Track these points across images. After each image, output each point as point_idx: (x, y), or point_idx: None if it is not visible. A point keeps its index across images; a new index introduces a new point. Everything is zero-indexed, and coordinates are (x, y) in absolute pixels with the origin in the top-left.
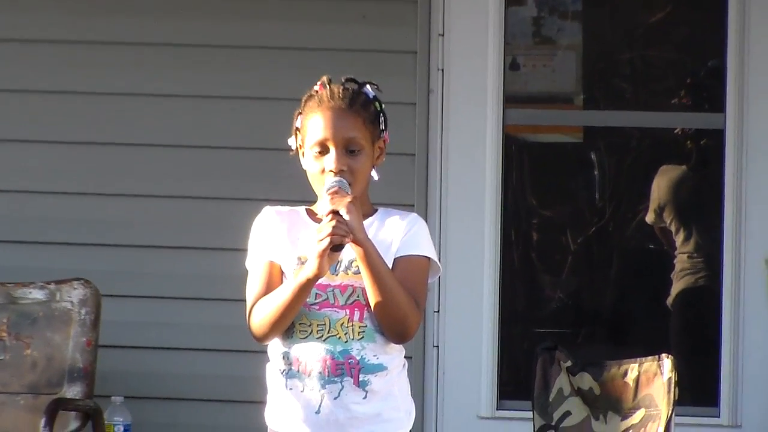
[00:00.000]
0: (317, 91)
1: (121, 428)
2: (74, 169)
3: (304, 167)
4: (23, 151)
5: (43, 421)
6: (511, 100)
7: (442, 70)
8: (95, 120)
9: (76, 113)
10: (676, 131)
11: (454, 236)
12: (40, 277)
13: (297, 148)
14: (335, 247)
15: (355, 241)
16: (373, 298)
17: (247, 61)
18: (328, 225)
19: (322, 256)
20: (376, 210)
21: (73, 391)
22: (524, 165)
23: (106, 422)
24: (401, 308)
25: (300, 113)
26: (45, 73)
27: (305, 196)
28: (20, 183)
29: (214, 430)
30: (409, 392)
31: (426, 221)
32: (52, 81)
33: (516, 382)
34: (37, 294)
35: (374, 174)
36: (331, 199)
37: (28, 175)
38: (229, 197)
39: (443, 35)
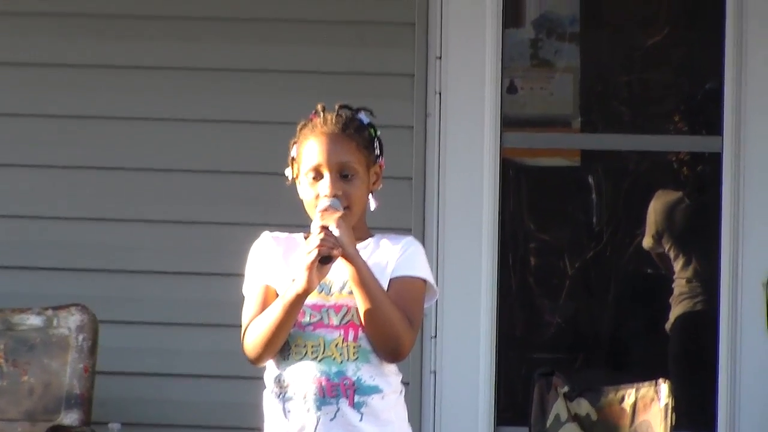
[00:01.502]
0: (311, 119)
1: None
2: (72, 194)
3: (300, 196)
4: (21, 175)
5: None
6: (508, 123)
7: (440, 93)
8: (93, 144)
9: (73, 137)
10: (673, 155)
11: (451, 260)
12: (37, 302)
13: (293, 177)
14: (324, 260)
15: (345, 256)
16: (364, 316)
17: (243, 85)
18: (316, 238)
19: (310, 268)
20: (373, 235)
21: (70, 418)
22: (522, 188)
23: None
24: (393, 326)
25: (295, 142)
26: (43, 97)
27: (304, 221)
28: (17, 208)
29: None
30: (407, 419)
31: (423, 245)
32: (51, 105)
33: (513, 407)
34: (34, 320)
35: (372, 202)
36: (321, 215)
37: (25, 200)
38: (228, 222)
39: (441, 58)
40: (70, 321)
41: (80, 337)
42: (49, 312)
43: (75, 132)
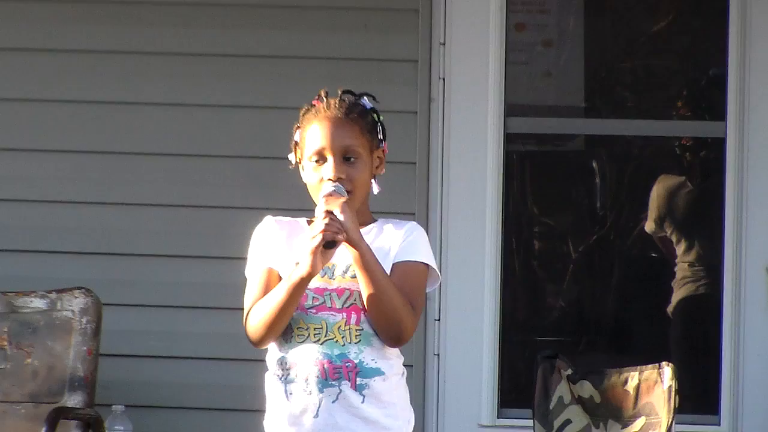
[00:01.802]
0: (314, 104)
1: None
2: (75, 177)
3: (304, 180)
4: (24, 159)
5: (43, 430)
6: (512, 108)
7: (444, 79)
8: (97, 129)
9: (77, 122)
10: (677, 140)
11: (455, 244)
12: (41, 286)
13: (296, 162)
14: (328, 245)
15: (349, 241)
16: (367, 300)
17: (248, 70)
18: (320, 223)
19: (314, 253)
20: (376, 220)
21: (73, 400)
22: (525, 173)
23: (107, 431)
24: (396, 310)
25: (298, 127)
26: (46, 83)
27: (307, 205)
28: (21, 192)
29: None
30: (409, 400)
31: (427, 230)
32: (54, 90)
33: (517, 390)
34: (38, 303)
35: (374, 187)
36: (326, 200)
37: (28, 184)
38: (231, 206)
39: (444, 44)
40: (74, 304)
41: (84, 320)
42: (53, 295)
43: (79, 116)
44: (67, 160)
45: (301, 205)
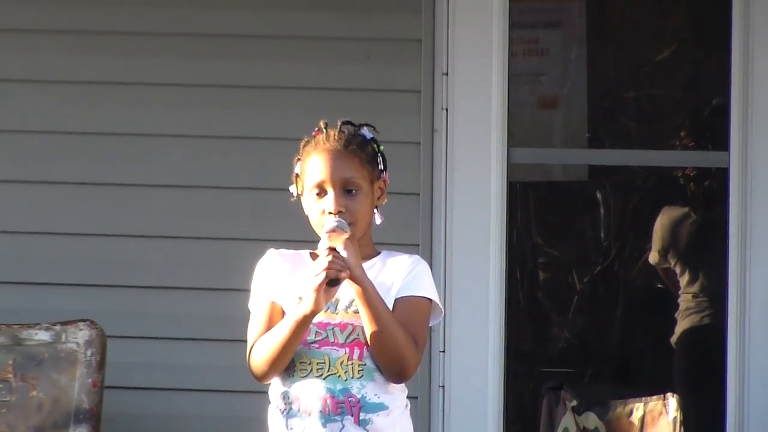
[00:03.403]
0: (314, 136)
1: None
2: (80, 210)
3: (306, 212)
4: (28, 191)
5: None
6: (515, 138)
7: (447, 110)
8: (101, 160)
9: (81, 153)
10: (681, 170)
11: (459, 275)
12: (45, 318)
13: (298, 194)
14: (331, 283)
15: (353, 278)
16: (370, 337)
17: (250, 101)
18: (324, 260)
19: (318, 291)
20: (379, 252)
21: None
22: (529, 204)
23: None
24: (399, 347)
25: (299, 159)
26: (50, 114)
27: (311, 237)
28: (25, 224)
29: None
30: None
31: (431, 261)
32: (57, 122)
33: (522, 421)
34: (42, 335)
35: (377, 217)
36: (329, 236)
37: (33, 216)
38: (235, 237)
39: (447, 74)
40: (79, 336)
41: (89, 352)
42: (58, 327)
43: (83, 147)
44: (71, 192)
45: (304, 236)
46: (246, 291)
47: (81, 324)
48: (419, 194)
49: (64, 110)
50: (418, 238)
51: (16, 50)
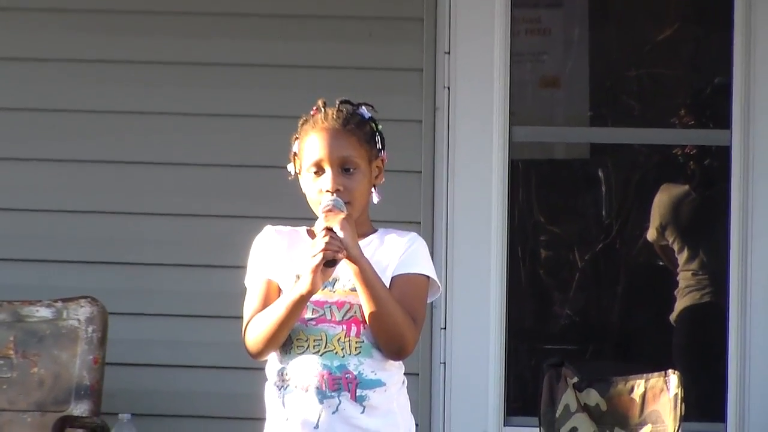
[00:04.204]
0: (312, 115)
1: None
2: (81, 187)
3: (303, 191)
4: (30, 169)
5: None
6: (517, 116)
7: (448, 88)
8: (100, 138)
9: (81, 131)
10: (682, 149)
11: (460, 253)
12: (47, 295)
13: (296, 173)
14: (328, 263)
15: (349, 258)
16: (369, 315)
17: (252, 79)
18: (321, 241)
19: (315, 271)
20: (376, 230)
21: (80, 409)
22: (530, 182)
23: None
24: (397, 325)
25: (297, 138)
26: (52, 92)
27: (308, 214)
28: (27, 201)
29: None
30: (409, 409)
31: (432, 238)
32: (58, 99)
33: (523, 398)
34: (44, 312)
35: (374, 196)
36: (326, 216)
37: (34, 194)
38: (235, 215)
39: (449, 53)
40: (80, 313)
41: (90, 329)
42: (59, 304)
43: (83, 126)
44: (72, 170)
45: (301, 214)
46: (245, 268)
47: (82, 301)
48: (421, 172)
49: (63, 88)
50: (419, 216)
51: (14, 28)
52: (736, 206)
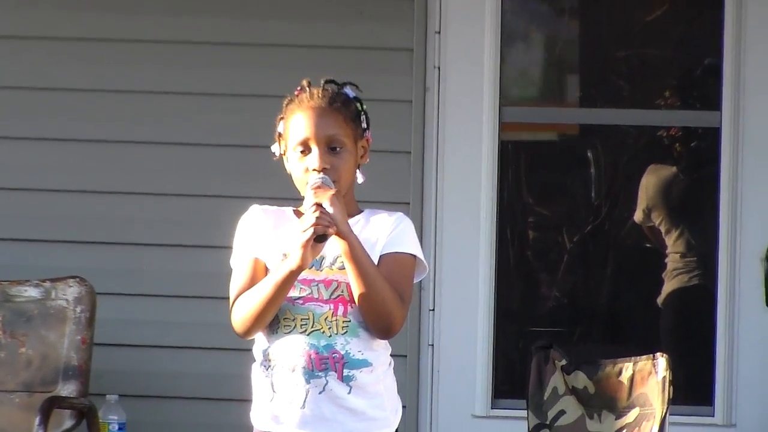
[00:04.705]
0: (297, 94)
1: (116, 426)
2: (69, 166)
3: (288, 171)
4: (17, 148)
5: (37, 420)
6: (507, 97)
7: (439, 68)
8: (89, 117)
9: (69, 110)
10: (672, 130)
11: (449, 234)
12: (35, 275)
13: (281, 154)
14: (318, 239)
15: (339, 234)
16: (357, 293)
17: (241, 58)
18: (311, 216)
19: (305, 246)
20: (362, 210)
21: (67, 389)
22: (520, 163)
23: (100, 421)
24: (385, 303)
25: (281, 118)
26: (39, 71)
27: (294, 194)
28: (15, 180)
29: (209, 429)
30: (396, 390)
31: (421, 219)
32: (46, 78)
33: (511, 381)
34: (32, 292)
35: (359, 176)
36: (315, 192)
37: (23, 173)
38: (223, 195)
39: (440, 33)
40: (68, 293)
41: (78, 309)
42: (47, 284)
43: (72, 105)
44: (60, 149)
45: (288, 194)
46: (231, 249)
47: (70, 281)
48: (410, 153)
49: (53, 66)
50: (408, 197)
51: (10, 7)
52: (725, 188)
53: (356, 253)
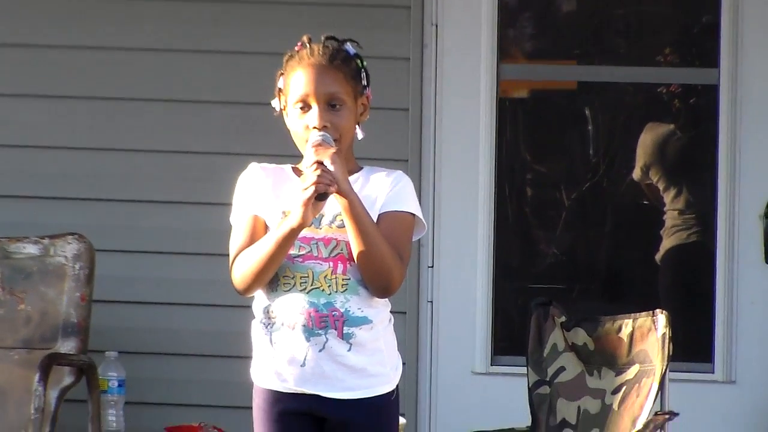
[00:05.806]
0: (297, 50)
1: (115, 383)
2: (67, 123)
3: (288, 127)
4: (15, 105)
5: (37, 376)
6: (505, 54)
7: (436, 25)
8: (87, 74)
9: (68, 67)
10: (670, 87)
11: (448, 191)
12: (33, 231)
13: (281, 109)
14: (319, 197)
15: (340, 192)
16: (356, 251)
17: (236, 16)
18: (312, 174)
19: (306, 204)
20: (362, 168)
21: (67, 346)
22: (518, 120)
23: (100, 377)
24: (385, 261)
25: (282, 73)
26: (37, 28)
27: (293, 151)
28: (13, 137)
29: (209, 385)
30: (396, 347)
31: (419, 176)
32: (44, 35)
33: (510, 337)
34: (31, 249)
35: (359, 132)
36: (315, 150)
37: (20, 130)
38: (220, 152)
39: None
40: (67, 249)
41: (77, 266)
42: (46, 241)
43: (71, 62)
44: (58, 106)
45: (287, 151)
46: (231, 205)
47: (69, 237)
48: (408, 110)
49: (52, 24)
50: (407, 154)
51: None
52: (723, 145)
53: (356, 211)
